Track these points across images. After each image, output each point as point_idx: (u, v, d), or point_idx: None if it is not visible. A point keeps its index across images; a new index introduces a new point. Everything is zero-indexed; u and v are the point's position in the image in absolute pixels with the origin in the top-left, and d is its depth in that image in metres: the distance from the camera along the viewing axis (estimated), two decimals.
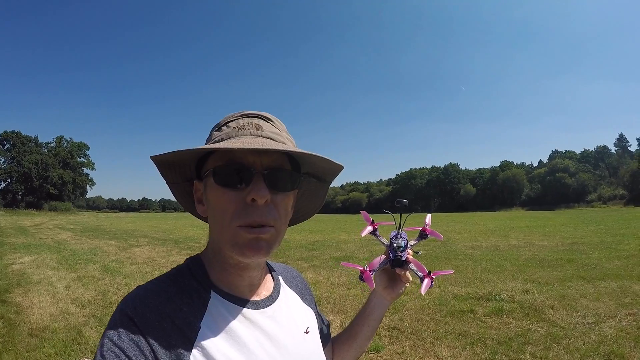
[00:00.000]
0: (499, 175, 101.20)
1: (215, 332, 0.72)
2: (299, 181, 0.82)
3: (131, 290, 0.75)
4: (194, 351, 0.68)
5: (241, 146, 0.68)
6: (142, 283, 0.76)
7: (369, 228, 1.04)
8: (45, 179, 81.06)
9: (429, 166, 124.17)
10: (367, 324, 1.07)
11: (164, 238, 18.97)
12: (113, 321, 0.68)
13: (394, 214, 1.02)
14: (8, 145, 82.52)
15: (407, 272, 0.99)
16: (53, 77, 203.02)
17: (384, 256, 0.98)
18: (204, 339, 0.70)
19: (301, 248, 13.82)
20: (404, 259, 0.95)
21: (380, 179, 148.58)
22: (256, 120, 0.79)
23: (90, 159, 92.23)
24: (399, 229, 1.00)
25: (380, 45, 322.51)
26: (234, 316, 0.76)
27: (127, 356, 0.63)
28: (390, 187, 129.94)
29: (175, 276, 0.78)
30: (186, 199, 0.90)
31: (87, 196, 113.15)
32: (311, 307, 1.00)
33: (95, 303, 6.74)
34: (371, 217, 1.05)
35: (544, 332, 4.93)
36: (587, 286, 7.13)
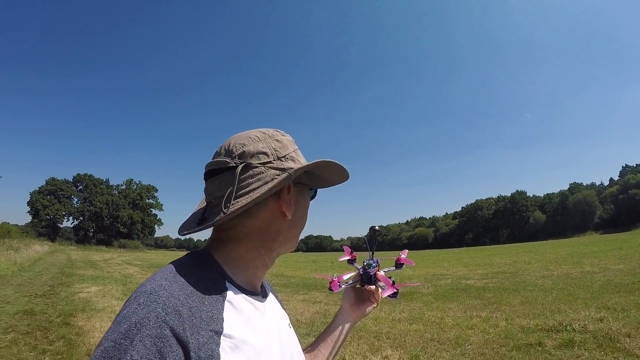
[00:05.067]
0: (568, 199, 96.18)
1: (237, 322, 0.73)
2: None
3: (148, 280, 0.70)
4: (222, 343, 0.67)
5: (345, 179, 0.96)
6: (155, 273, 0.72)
7: (347, 257, 1.17)
8: (115, 218, 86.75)
9: (495, 196, 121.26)
10: (331, 339, 1.11)
11: None
12: (136, 318, 0.61)
13: (367, 240, 1.15)
14: (81, 187, 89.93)
15: (378, 291, 1.09)
16: (125, 125, 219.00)
17: (354, 272, 1.11)
18: (229, 330, 0.70)
19: None
20: (371, 273, 1.06)
21: (446, 213, 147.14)
22: None
23: (158, 201, 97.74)
24: (372, 253, 1.11)
25: (432, 74, 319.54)
26: (249, 306, 0.79)
27: None
28: (457, 220, 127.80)
29: (189, 267, 0.76)
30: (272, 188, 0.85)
31: (155, 235, 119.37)
32: (283, 309, 1.04)
33: None
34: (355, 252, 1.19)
35: None
36: None
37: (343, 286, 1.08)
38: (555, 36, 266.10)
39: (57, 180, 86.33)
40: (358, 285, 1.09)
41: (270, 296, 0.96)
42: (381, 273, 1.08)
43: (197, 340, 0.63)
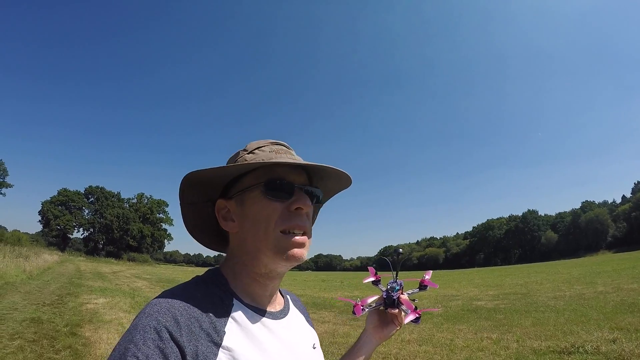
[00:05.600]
0: (580, 217, 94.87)
1: (239, 337, 0.77)
2: (320, 197, 0.94)
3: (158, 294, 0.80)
4: (220, 354, 0.72)
5: (300, 162, 0.83)
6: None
7: (372, 278, 1.16)
8: (125, 232, 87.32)
9: (506, 215, 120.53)
10: None
11: None
12: (141, 325, 0.69)
13: (391, 262, 1.14)
14: (92, 199, 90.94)
15: (401, 314, 1.08)
16: (137, 137, 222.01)
17: (378, 296, 1.12)
18: (229, 343, 0.74)
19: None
20: (395, 297, 1.05)
21: (457, 233, 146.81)
22: (285, 147, 0.92)
23: (169, 216, 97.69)
24: (396, 275, 1.10)
25: (443, 94, 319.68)
26: (255, 324, 0.82)
27: None
28: (468, 240, 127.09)
29: (199, 284, 0.84)
30: (200, 220, 0.97)
31: (165, 250, 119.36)
32: (313, 329, 1.07)
33: None
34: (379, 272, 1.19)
35: None
36: None
37: (367, 310, 1.09)
38: (564, 53, 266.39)
39: (69, 191, 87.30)
40: (382, 308, 1.10)
41: (293, 315, 0.98)
42: (405, 296, 1.07)
43: (194, 347, 0.70)
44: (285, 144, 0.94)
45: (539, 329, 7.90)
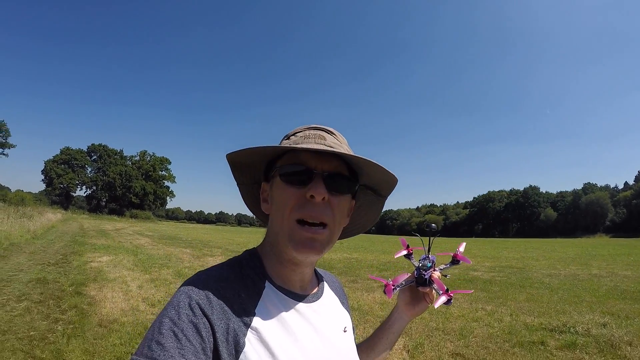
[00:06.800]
0: (581, 198, 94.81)
1: (268, 318, 0.79)
2: (356, 187, 0.91)
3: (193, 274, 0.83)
4: (249, 334, 0.75)
5: (302, 146, 0.81)
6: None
7: (404, 251, 1.15)
8: (128, 189, 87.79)
9: (507, 189, 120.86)
10: (386, 336, 1.15)
11: (238, 250, 19.22)
12: (175, 301, 0.74)
13: (423, 238, 1.11)
14: (95, 157, 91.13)
15: (432, 292, 1.05)
16: (139, 94, 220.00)
17: (409, 274, 1.08)
18: (258, 324, 0.77)
19: (372, 268, 13.88)
20: (426, 277, 1.03)
21: (457, 202, 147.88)
22: (320, 132, 0.90)
23: (171, 173, 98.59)
24: (428, 251, 1.08)
25: (458, 67, 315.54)
26: (285, 306, 0.84)
27: (185, 336, 0.68)
28: (467, 210, 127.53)
29: (234, 265, 0.88)
30: (251, 199, 1.04)
31: (167, 207, 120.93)
32: (347, 312, 1.08)
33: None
34: (408, 242, 1.17)
35: None
36: None
37: (398, 289, 1.06)
38: (587, 37, 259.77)
39: (72, 149, 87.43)
40: (413, 284, 1.07)
41: (326, 298, 0.99)
42: (437, 274, 1.04)
43: (225, 325, 0.73)
44: (327, 128, 0.92)
45: (533, 304, 7.99)
